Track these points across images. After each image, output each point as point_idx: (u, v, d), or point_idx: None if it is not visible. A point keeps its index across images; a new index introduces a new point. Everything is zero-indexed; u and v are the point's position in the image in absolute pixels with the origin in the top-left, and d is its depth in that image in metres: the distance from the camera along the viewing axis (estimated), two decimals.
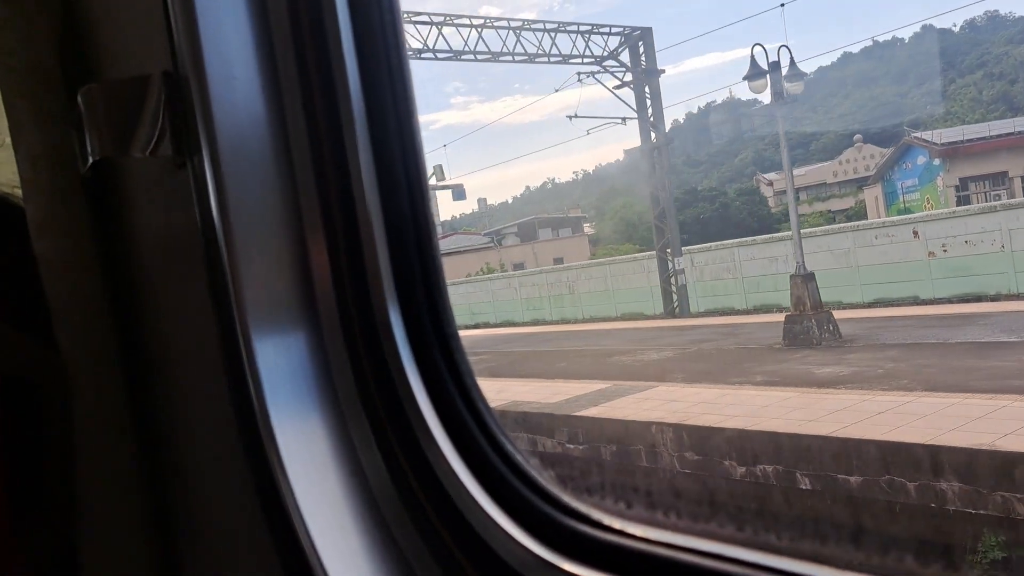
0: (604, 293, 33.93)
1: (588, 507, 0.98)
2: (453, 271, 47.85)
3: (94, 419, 1.14)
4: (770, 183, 68.25)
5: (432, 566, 1.01)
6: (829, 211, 62.32)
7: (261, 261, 1.04)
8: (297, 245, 1.07)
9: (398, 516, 1.04)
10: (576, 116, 28.61)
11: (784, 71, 19.82)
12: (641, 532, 0.92)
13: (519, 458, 1.03)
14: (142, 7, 1.07)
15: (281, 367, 1.04)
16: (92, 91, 1.06)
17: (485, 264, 52.62)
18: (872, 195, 52.90)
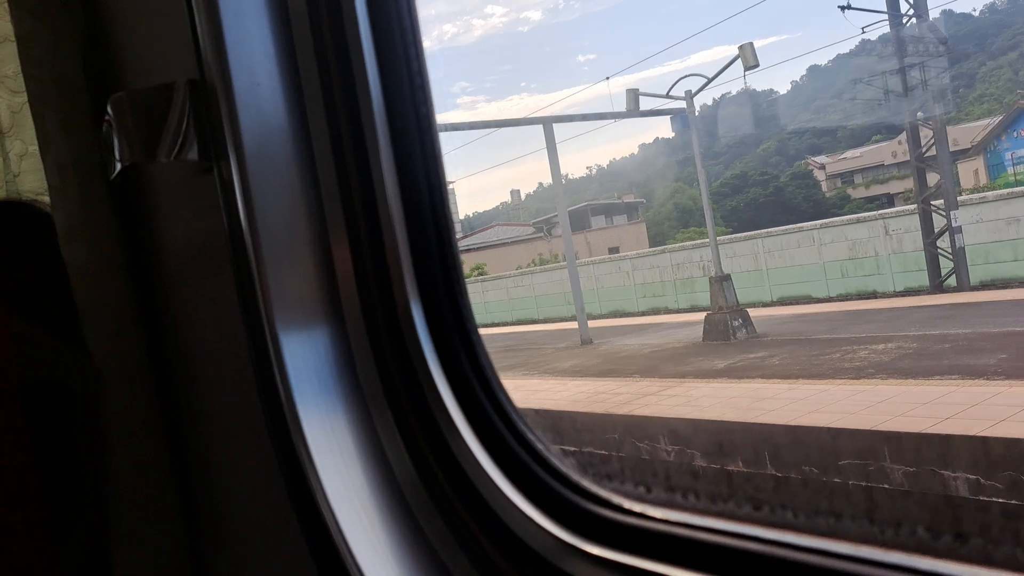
0: (755, 274, 27.24)
1: (608, 492, 1.01)
2: (497, 264, 45.58)
3: (124, 420, 1.17)
4: (822, 166, 65.27)
5: (458, 553, 1.05)
6: (888, 194, 58.34)
7: (287, 262, 1.08)
8: (321, 246, 1.10)
9: (423, 505, 1.08)
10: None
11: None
12: (661, 514, 0.96)
13: (540, 446, 1.06)
14: (168, 18, 1.11)
15: (307, 363, 1.08)
16: (121, 99, 1.10)
17: (537, 255, 48.86)
18: (969, 169, 45.55)
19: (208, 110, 1.07)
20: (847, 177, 64.77)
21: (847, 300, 23.86)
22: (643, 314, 30.14)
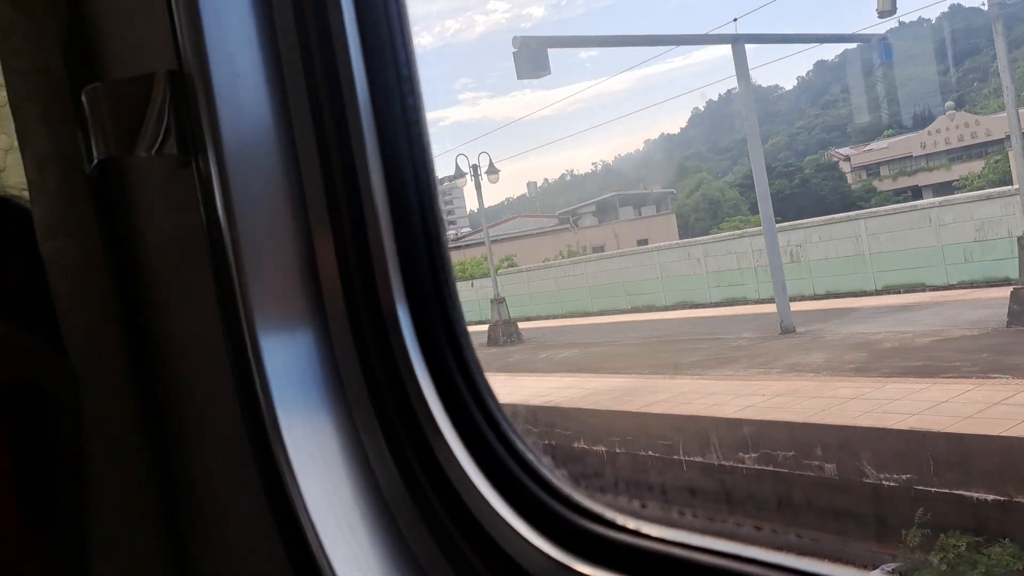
0: (855, 260, 23.81)
1: (601, 506, 0.96)
2: (524, 256, 43.69)
3: (103, 421, 1.13)
4: (846, 158, 63.72)
5: (443, 566, 1.00)
6: (916, 186, 56.25)
7: (268, 259, 1.03)
8: (304, 243, 1.06)
9: (408, 515, 1.03)
10: None
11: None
12: (655, 532, 0.90)
13: (530, 456, 1.01)
14: (146, 7, 1.07)
15: (289, 366, 1.03)
16: (96, 90, 1.05)
17: (566, 247, 47.68)
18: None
19: (187, 102, 1.02)
20: (872, 169, 63.14)
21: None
22: (717, 304, 26.81)
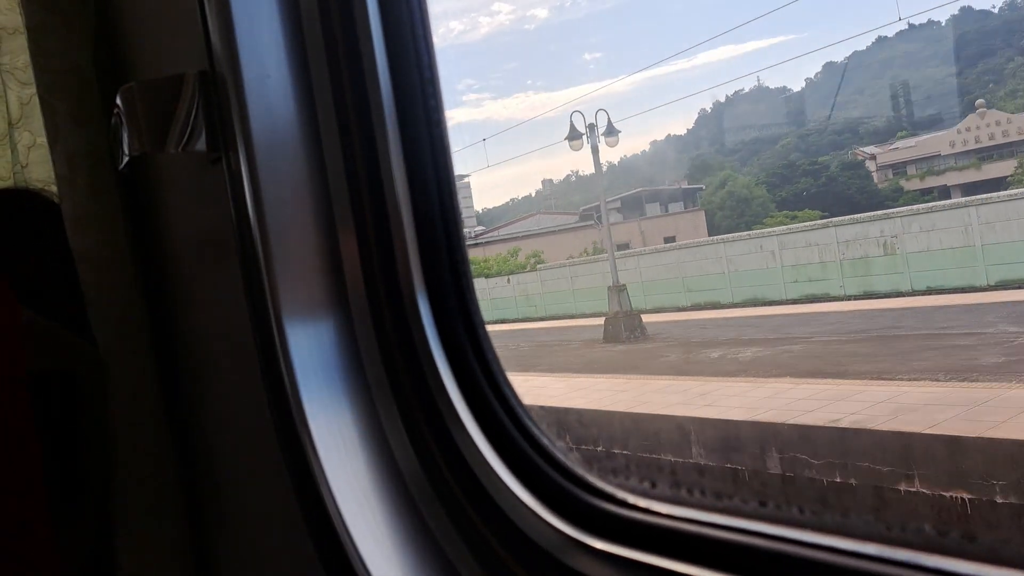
0: (964, 252, 21.11)
1: (613, 487, 1.01)
2: (547, 253, 41.78)
3: (130, 409, 1.17)
4: (872, 156, 61.71)
5: (461, 546, 1.04)
6: (944, 185, 53.64)
7: (294, 253, 1.08)
8: (328, 237, 1.10)
9: (427, 498, 1.07)
10: None
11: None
12: (666, 510, 0.95)
13: (545, 441, 1.06)
14: (178, 9, 1.11)
15: (313, 355, 1.08)
16: (131, 90, 1.10)
17: (592, 244, 44.63)
18: None
19: (217, 101, 1.07)
20: (899, 168, 61.19)
21: None
22: (795, 302, 23.99)
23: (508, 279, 34.24)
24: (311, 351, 1.08)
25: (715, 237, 31.80)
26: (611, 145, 24.01)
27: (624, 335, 20.20)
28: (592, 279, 30.71)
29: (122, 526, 1.18)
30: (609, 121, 23.50)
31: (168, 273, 1.19)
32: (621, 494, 1.00)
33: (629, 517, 0.97)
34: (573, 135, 23.69)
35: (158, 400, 1.18)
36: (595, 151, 23.49)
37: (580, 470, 1.03)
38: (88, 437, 1.19)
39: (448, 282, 1.11)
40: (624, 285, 22.13)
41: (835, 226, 24.64)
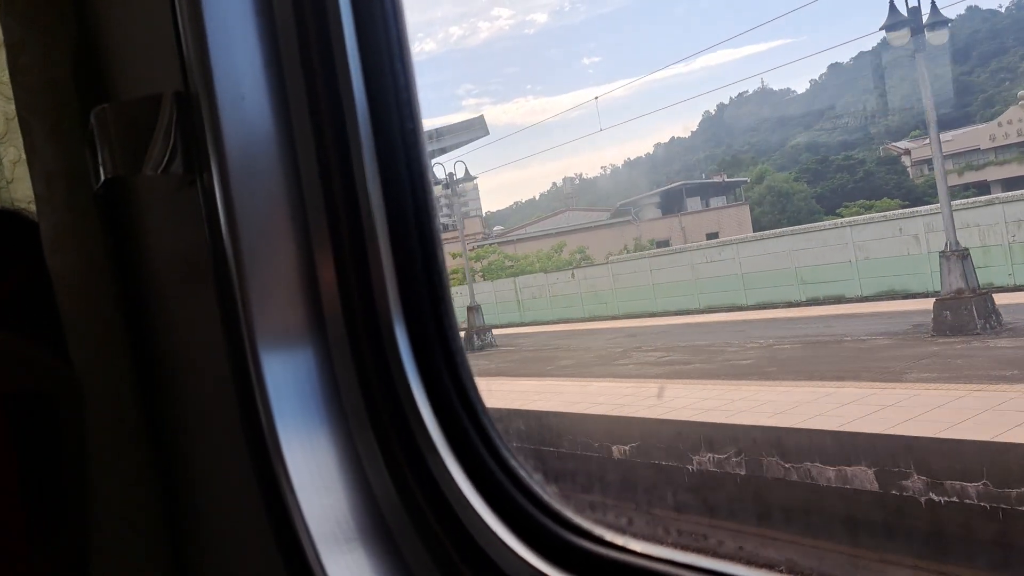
0: None
1: (590, 522, 0.99)
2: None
3: (107, 431, 1.16)
4: (906, 151, 58.84)
5: None
6: (984, 181, 49.81)
7: (269, 277, 1.06)
8: (305, 261, 1.08)
9: (403, 529, 1.05)
10: None
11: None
12: (642, 548, 0.93)
13: (523, 473, 1.04)
14: (154, 28, 1.09)
15: (289, 382, 1.06)
16: (105, 111, 1.08)
17: (633, 240, 43.53)
18: None
19: (192, 122, 1.05)
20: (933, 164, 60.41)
21: None
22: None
23: (572, 274, 32.65)
24: (287, 377, 1.06)
25: (844, 219, 27.44)
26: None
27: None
28: (675, 272, 28.10)
29: (97, 547, 1.17)
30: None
31: (146, 295, 1.17)
32: (598, 530, 0.97)
33: (604, 555, 0.95)
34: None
35: (135, 422, 1.16)
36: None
37: (557, 504, 1.01)
38: (64, 460, 1.18)
39: (427, 308, 1.09)
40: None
41: (1003, 203, 20.37)
